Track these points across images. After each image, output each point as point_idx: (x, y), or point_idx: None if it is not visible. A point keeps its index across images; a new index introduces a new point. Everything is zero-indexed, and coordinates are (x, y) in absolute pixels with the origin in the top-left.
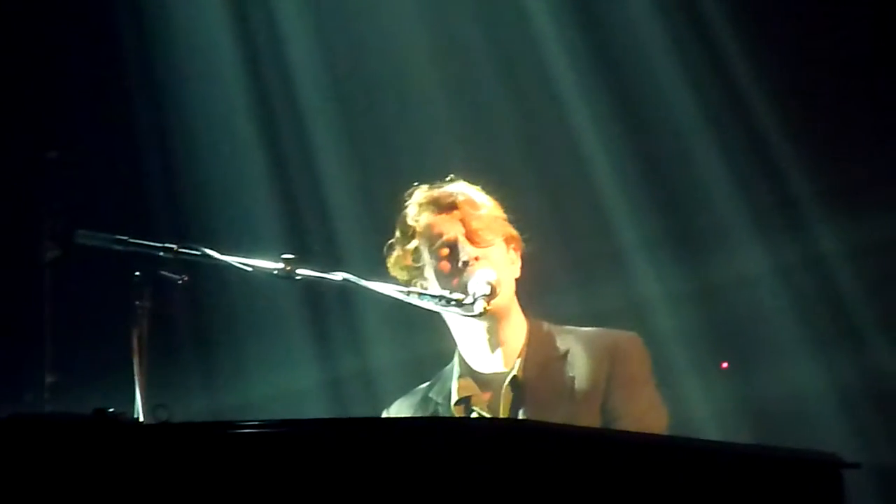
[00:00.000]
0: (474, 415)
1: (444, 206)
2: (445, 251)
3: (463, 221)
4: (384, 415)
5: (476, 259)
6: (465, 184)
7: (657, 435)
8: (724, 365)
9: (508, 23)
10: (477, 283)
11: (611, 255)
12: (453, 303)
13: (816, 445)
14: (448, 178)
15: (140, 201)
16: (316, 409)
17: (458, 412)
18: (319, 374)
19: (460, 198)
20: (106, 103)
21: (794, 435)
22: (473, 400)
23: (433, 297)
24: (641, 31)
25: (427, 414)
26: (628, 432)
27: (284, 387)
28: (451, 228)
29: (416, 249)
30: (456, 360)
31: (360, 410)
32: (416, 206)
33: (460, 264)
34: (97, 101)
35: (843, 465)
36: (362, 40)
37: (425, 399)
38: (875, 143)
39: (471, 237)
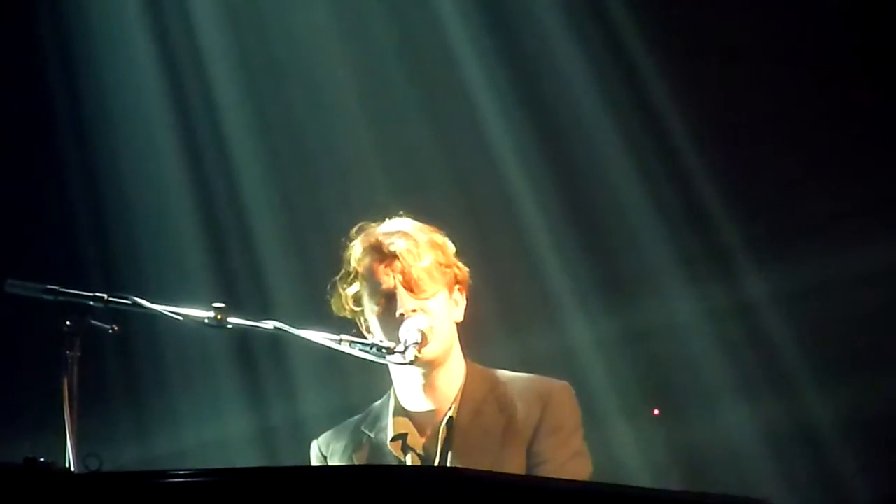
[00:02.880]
0: (410, 456)
1: (385, 255)
2: (383, 301)
3: (403, 272)
4: (313, 446)
5: (413, 311)
6: (409, 223)
7: (590, 482)
8: (656, 412)
9: (432, 56)
10: (408, 330)
11: (541, 301)
12: (384, 350)
13: (748, 491)
14: (395, 215)
15: (69, 250)
16: (247, 457)
17: (394, 448)
18: (251, 423)
19: (402, 247)
20: (33, 152)
21: (726, 480)
22: (409, 439)
23: (364, 345)
24: (571, 68)
25: (362, 448)
26: (561, 479)
27: (215, 435)
28: (390, 279)
29: (357, 294)
30: (391, 397)
31: (290, 459)
32: (360, 249)
33: (397, 315)
34: (23, 148)
35: None
36: (286, 76)
37: (357, 432)
38: (806, 189)
39: (409, 288)
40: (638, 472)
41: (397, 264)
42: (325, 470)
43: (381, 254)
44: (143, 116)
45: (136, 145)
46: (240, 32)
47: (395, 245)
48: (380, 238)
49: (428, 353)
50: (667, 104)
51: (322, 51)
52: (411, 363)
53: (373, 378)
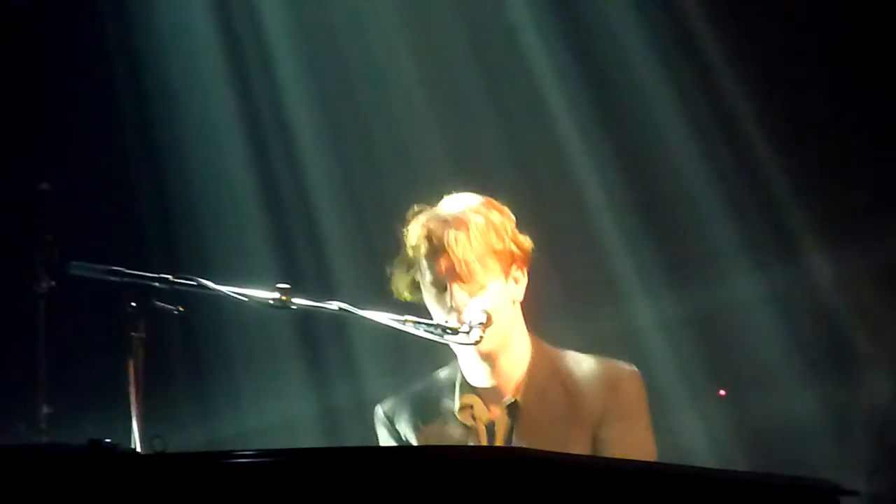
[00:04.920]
0: (475, 430)
1: (436, 247)
2: (437, 291)
3: (453, 265)
4: (377, 410)
5: (465, 304)
6: (466, 201)
7: (656, 462)
8: (722, 392)
9: (501, 45)
10: (472, 311)
11: (606, 281)
12: (449, 332)
13: (813, 472)
14: (452, 192)
15: (134, 231)
16: (311, 438)
17: (463, 417)
18: (314, 403)
19: (451, 238)
20: (98, 133)
21: (791, 462)
22: (476, 410)
23: (429, 326)
24: (637, 54)
25: (431, 417)
26: (627, 460)
27: (279, 416)
28: (441, 271)
29: (414, 280)
30: (458, 372)
31: (354, 439)
32: (413, 237)
33: (451, 305)
34: (89, 131)
35: (841, 492)
36: (350, 62)
37: (424, 401)
38: (871, 169)
39: (461, 279)
40: (703, 454)
41: (448, 256)
42: (388, 450)
43: (431, 245)
44: (206, 100)
45: (199, 128)
46: (303, 15)
47: (446, 236)
48: (430, 227)
49: (487, 340)
50: (732, 85)
51: (385, 33)
52: (476, 344)
53: (436, 358)
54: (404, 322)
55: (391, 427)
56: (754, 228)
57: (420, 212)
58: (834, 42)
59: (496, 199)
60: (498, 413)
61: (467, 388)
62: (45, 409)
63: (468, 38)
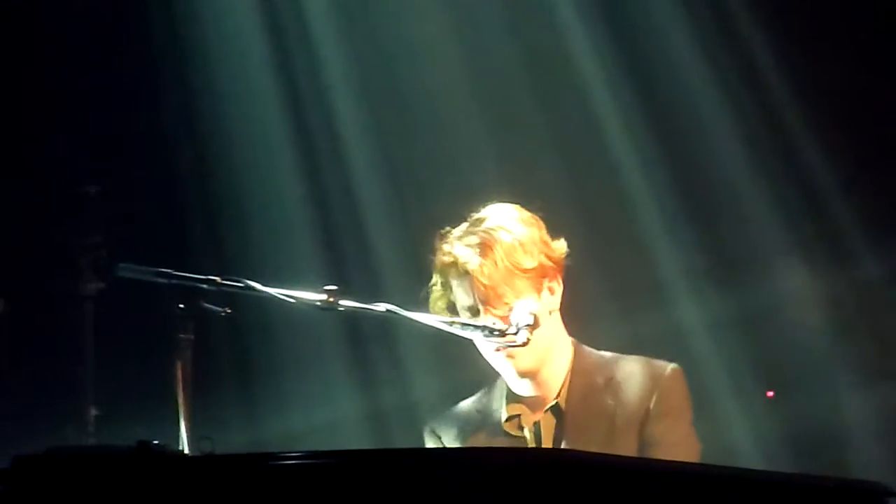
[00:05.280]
0: (522, 439)
1: (461, 273)
2: (469, 314)
3: (479, 291)
4: (426, 431)
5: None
6: (496, 216)
7: (701, 464)
8: (770, 394)
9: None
10: (520, 313)
11: (651, 282)
12: (496, 333)
13: (861, 474)
14: (484, 204)
15: (182, 233)
16: (358, 440)
17: (509, 428)
18: (361, 405)
19: (475, 265)
20: (145, 136)
21: (840, 464)
22: (524, 419)
23: (476, 327)
24: (682, 53)
25: (478, 430)
26: (672, 461)
27: (326, 418)
28: (469, 296)
29: (450, 300)
30: (503, 381)
31: (402, 441)
32: (440, 262)
33: (483, 326)
34: (136, 133)
35: (889, 494)
36: (398, 64)
37: (471, 415)
38: None
39: (490, 304)
40: (750, 455)
41: (472, 282)
42: (433, 452)
43: (456, 270)
44: (255, 103)
45: (248, 130)
46: (351, 20)
47: (470, 263)
48: (455, 253)
49: (526, 358)
50: (778, 85)
51: (433, 38)
52: (524, 345)
53: (483, 361)
54: (451, 324)
55: (439, 442)
56: (802, 228)
57: (445, 237)
58: (883, 43)
59: (543, 205)
60: (543, 419)
61: (513, 397)
62: (93, 412)
63: (514, 43)
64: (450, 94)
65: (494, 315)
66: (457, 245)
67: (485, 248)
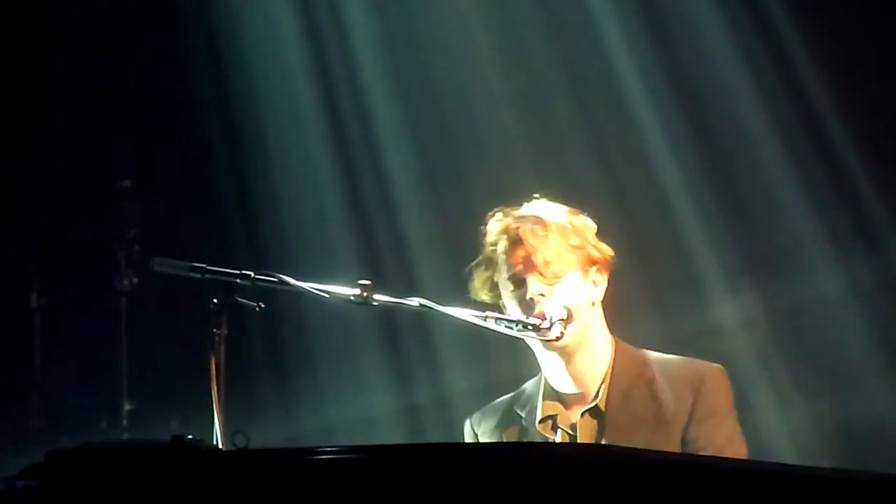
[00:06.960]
0: (560, 434)
1: (513, 239)
2: (514, 284)
3: (529, 255)
4: (466, 424)
5: (542, 295)
6: (545, 205)
7: (745, 460)
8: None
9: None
10: (554, 307)
11: (691, 281)
12: (530, 328)
13: None
14: (532, 198)
15: (216, 228)
16: (392, 434)
17: (542, 430)
18: (396, 400)
19: (527, 230)
20: (180, 131)
21: (879, 459)
22: (559, 420)
23: (510, 321)
24: (718, 51)
25: (512, 428)
26: (716, 457)
27: (361, 412)
28: (518, 262)
29: (492, 278)
30: (542, 378)
31: (436, 436)
32: (493, 234)
33: (527, 299)
34: (171, 128)
35: None
36: (432, 61)
37: (509, 412)
38: None
39: (537, 270)
40: (785, 451)
41: (524, 247)
42: (469, 447)
43: (508, 238)
44: (290, 97)
45: (282, 125)
46: (387, 18)
47: (522, 228)
48: (509, 223)
49: (572, 330)
50: (814, 81)
51: (469, 36)
52: (557, 339)
53: (518, 356)
54: (485, 318)
55: (475, 437)
56: (839, 224)
57: (498, 213)
58: None
59: (581, 203)
60: (581, 419)
61: (551, 394)
62: (128, 406)
63: (554, 44)
64: (487, 92)
65: (541, 283)
66: (511, 217)
67: (537, 220)
